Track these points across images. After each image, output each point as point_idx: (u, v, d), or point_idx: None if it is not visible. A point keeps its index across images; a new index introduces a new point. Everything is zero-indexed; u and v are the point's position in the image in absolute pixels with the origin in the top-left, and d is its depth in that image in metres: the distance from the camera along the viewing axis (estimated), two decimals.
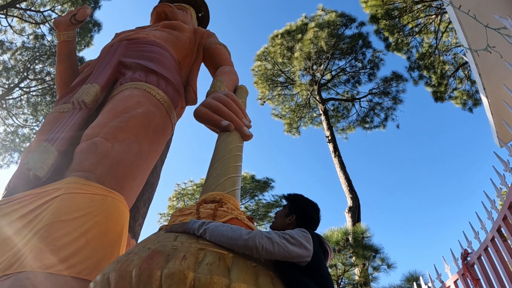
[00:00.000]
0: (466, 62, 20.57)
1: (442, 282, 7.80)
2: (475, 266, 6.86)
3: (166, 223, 2.78)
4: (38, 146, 3.91)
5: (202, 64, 6.59)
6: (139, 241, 4.37)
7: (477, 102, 21.30)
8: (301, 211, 2.80)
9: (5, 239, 3.05)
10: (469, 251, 7.14)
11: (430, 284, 8.05)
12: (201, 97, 6.37)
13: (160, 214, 26.73)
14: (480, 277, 6.68)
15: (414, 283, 8.82)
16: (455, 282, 7.36)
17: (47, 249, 2.86)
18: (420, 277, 8.72)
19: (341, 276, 12.08)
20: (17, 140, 22.66)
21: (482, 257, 6.70)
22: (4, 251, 2.97)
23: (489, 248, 6.49)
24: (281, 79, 26.37)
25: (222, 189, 3.18)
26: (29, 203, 3.30)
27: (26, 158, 3.94)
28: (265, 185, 27.01)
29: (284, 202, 3.00)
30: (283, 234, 2.24)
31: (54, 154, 3.76)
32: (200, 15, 8.18)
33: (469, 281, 6.82)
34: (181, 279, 1.85)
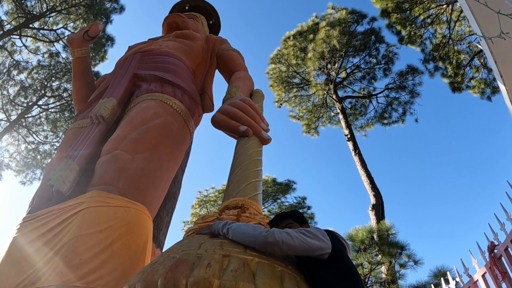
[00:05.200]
0: (481, 50, 20.27)
1: (470, 276, 7.67)
2: (502, 259, 6.74)
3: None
4: (60, 163, 3.96)
5: (217, 71, 6.61)
6: (163, 250, 4.39)
7: (496, 90, 20.97)
8: (305, 221, 2.81)
9: (31, 254, 3.11)
10: (496, 243, 7.00)
11: (458, 279, 7.93)
12: (217, 104, 6.39)
13: (184, 222, 26.79)
14: (508, 269, 6.55)
15: (442, 278, 8.71)
16: (483, 276, 7.22)
17: (73, 263, 2.90)
18: (448, 272, 8.60)
19: (368, 275, 11.99)
20: (39, 157, 22.98)
21: (509, 249, 6.56)
22: (30, 266, 3.03)
23: None
24: (296, 80, 26.31)
25: (243, 195, 3.18)
26: (53, 218, 3.35)
27: (48, 174, 3.99)
28: (287, 187, 26.91)
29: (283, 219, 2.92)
30: (299, 230, 2.29)
31: (76, 170, 3.81)
32: (211, 22, 8.21)
33: (497, 274, 6.69)
34: (207, 287, 1.86)
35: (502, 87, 5.85)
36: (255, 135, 4.04)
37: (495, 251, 6.92)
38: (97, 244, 3.07)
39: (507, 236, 6.64)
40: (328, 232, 2.43)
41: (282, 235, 2.16)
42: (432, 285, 9.55)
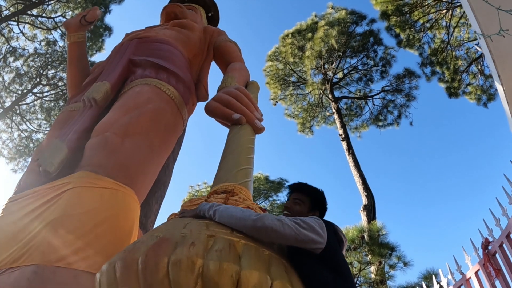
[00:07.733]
0: (479, 57, 20.34)
1: (462, 274, 7.57)
2: (497, 255, 6.62)
3: None
4: (49, 143, 3.90)
5: (213, 62, 6.56)
6: None
7: (492, 97, 21.02)
8: (322, 208, 2.75)
9: (14, 233, 3.04)
10: (490, 239, 6.90)
11: (450, 277, 7.85)
12: (212, 95, 6.32)
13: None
14: (502, 266, 6.45)
15: (433, 277, 8.65)
16: (476, 273, 7.12)
17: (56, 243, 2.83)
18: (440, 270, 8.52)
19: (357, 275, 11.97)
20: (31, 145, 22.84)
21: (504, 245, 6.44)
22: (12, 244, 2.95)
23: (511, 235, 6.28)
24: (293, 78, 26.25)
25: (234, 181, 3.10)
26: (38, 198, 3.29)
27: (37, 155, 3.94)
28: (279, 185, 26.93)
29: (296, 191, 2.89)
30: (295, 219, 2.15)
31: (64, 151, 3.74)
32: (209, 15, 8.14)
33: (491, 271, 6.60)
34: (189, 266, 1.77)
35: (499, 88, 5.81)
36: (249, 123, 3.98)
37: (489, 247, 6.83)
38: (81, 225, 3.00)
39: (502, 232, 6.53)
40: (327, 224, 2.31)
41: (272, 222, 2.04)
42: (424, 284, 9.49)
